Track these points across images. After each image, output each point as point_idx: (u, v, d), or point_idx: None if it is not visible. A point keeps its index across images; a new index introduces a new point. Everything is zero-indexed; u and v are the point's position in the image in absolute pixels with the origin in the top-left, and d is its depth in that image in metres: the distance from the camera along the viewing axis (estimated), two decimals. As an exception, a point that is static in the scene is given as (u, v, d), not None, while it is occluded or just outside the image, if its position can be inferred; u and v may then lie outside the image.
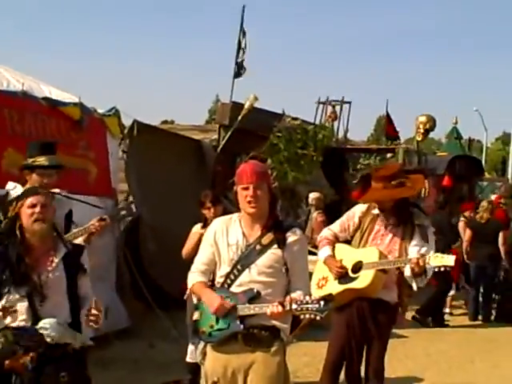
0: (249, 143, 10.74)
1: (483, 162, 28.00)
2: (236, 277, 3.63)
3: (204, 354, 3.77)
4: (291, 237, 3.70)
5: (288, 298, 3.54)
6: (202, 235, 4.65)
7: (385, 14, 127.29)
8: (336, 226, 5.28)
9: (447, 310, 10.97)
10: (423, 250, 4.90)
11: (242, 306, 3.57)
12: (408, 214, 5.11)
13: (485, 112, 58.30)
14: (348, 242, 5.25)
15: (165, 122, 33.99)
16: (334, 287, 5.00)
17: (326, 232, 5.28)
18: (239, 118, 10.42)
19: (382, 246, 5.07)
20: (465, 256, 10.83)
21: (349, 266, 5.03)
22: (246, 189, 3.62)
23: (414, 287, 5.02)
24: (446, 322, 10.51)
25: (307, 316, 3.44)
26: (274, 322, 3.60)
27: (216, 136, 11.22)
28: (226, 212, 4.77)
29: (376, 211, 5.14)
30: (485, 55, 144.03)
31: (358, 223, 5.20)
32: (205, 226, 6.10)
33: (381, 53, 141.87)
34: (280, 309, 3.47)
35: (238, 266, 3.63)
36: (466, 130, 53.84)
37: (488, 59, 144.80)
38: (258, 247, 3.64)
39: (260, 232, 3.68)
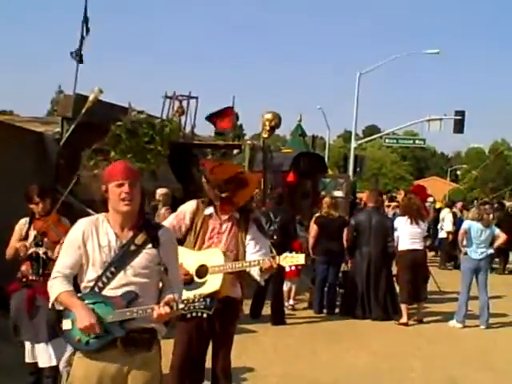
0: (93, 137, 10.35)
1: (326, 158, 28.98)
2: (109, 280, 3.47)
3: (71, 362, 3.59)
4: (164, 235, 3.64)
5: (169, 298, 3.47)
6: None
7: (228, 8, 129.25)
8: None
9: (291, 302, 11.17)
10: (258, 246, 4.95)
11: (122, 311, 3.41)
12: (250, 209, 5.12)
13: (327, 110, 60.51)
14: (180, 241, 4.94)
15: (3, 112, 32.33)
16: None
17: None
18: (83, 110, 9.99)
19: (220, 244, 4.99)
20: (310, 251, 11.07)
21: (192, 270, 4.86)
22: (121, 185, 3.49)
23: (261, 282, 5.10)
24: (292, 314, 10.71)
25: (194, 314, 3.36)
26: (153, 324, 3.50)
27: (59, 129, 10.68)
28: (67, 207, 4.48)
29: (208, 211, 5.03)
30: (327, 55, 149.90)
31: (190, 224, 5.06)
32: (31, 222, 5.81)
33: (228, 49, 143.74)
34: (168, 310, 3.38)
35: (112, 269, 3.48)
36: (310, 128, 55.51)
37: (330, 58, 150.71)
38: (132, 248, 3.52)
39: (132, 232, 3.56)
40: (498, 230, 10.97)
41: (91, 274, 3.51)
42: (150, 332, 3.53)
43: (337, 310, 11.13)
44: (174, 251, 3.74)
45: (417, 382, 7.47)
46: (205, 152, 15.13)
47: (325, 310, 11.04)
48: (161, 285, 3.65)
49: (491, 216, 18.48)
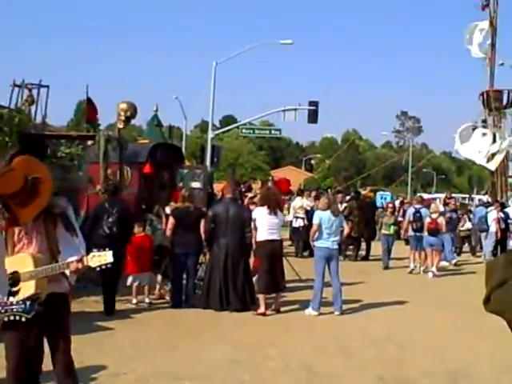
0: None
1: (183, 149, 28.85)
2: None
3: None
4: None
5: None
6: None
7: None
8: None
9: (147, 300, 11.01)
10: (66, 246, 4.71)
11: None
12: (48, 206, 4.67)
13: (184, 100, 60.25)
14: None
15: None
16: None
17: None
18: None
19: (31, 246, 4.71)
20: (168, 243, 10.96)
21: None
22: None
23: (72, 282, 4.85)
24: (150, 309, 10.58)
25: (11, 318, 3.23)
26: None
27: None
28: None
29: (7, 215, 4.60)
30: (184, 44, 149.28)
31: None
32: None
33: (81, 36, 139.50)
34: None
35: None
36: (167, 118, 55.10)
37: (186, 48, 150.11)
38: None
39: None
40: (343, 221, 11.41)
41: None
42: None
43: (196, 303, 11.06)
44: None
45: (274, 371, 7.56)
46: (58, 143, 14.53)
47: (183, 304, 10.95)
48: None
49: (343, 205, 19.26)
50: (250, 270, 11.25)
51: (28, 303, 3.25)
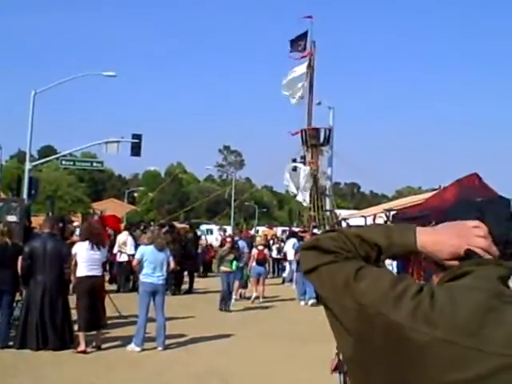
0: None
1: (-1, 180, 27.48)
2: None
3: None
4: None
5: None
6: None
7: None
8: None
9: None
10: None
11: None
12: None
13: (0, 129, 57.50)
14: None
15: None
16: None
17: None
18: None
19: None
20: None
21: None
22: None
23: None
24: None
25: None
26: None
27: None
28: None
29: None
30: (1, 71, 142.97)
31: None
32: None
33: None
34: None
35: None
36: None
37: (4, 75, 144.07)
38: None
39: None
40: (169, 255, 11.39)
41: None
42: None
43: (11, 343, 10.44)
44: None
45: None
46: None
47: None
48: None
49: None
50: (68, 306, 10.83)
51: None
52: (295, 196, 40.56)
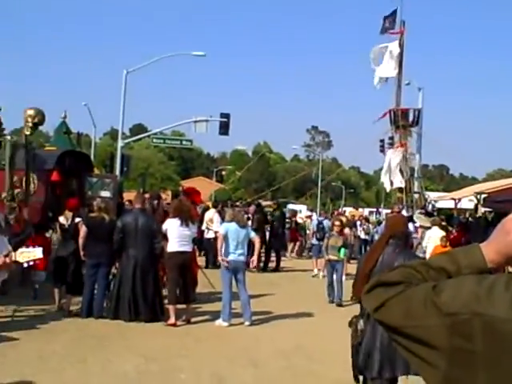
0: None
1: (92, 157, 28.31)
2: None
3: None
4: None
5: None
6: None
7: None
8: None
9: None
10: None
11: None
12: None
13: (94, 107, 59.16)
14: None
15: None
16: None
17: None
18: None
19: None
20: (81, 253, 10.74)
21: None
22: None
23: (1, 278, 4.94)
24: (59, 319, 10.33)
25: None
26: None
27: None
28: None
29: None
30: (95, 51, 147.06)
31: None
32: None
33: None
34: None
35: None
36: (76, 125, 53.98)
37: (97, 55, 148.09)
38: None
39: None
40: (253, 233, 11.48)
41: None
42: None
43: (104, 313, 10.85)
44: None
45: (185, 382, 7.51)
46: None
47: (93, 314, 10.73)
48: None
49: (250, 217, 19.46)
50: (159, 280, 11.14)
51: None
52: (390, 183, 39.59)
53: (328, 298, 14.04)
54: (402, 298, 1.60)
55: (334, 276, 14.09)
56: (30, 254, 4.48)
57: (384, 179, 38.54)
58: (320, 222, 19.26)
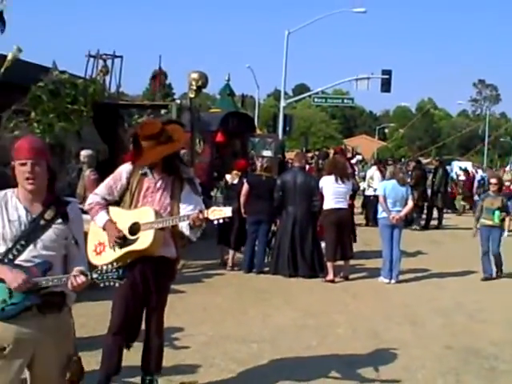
0: (13, 97, 9.99)
1: (256, 118, 28.97)
2: (19, 252, 3.55)
3: None
4: (73, 211, 3.74)
5: (81, 268, 3.58)
6: None
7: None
8: (102, 190, 5.20)
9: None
10: (191, 205, 5.01)
11: (40, 279, 3.50)
12: (176, 167, 5.15)
13: (257, 69, 60.26)
14: (117, 202, 5.18)
15: None
16: (114, 252, 4.95)
17: (95, 197, 5.17)
18: (1, 70, 9.62)
19: (153, 203, 5.06)
20: (242, 210, 11.13)
21: (125, 228, 4.96)
22: (24, 165, 3.54)
23: (193, 239, 5.14)
24: (221, 274, 10.91)
25: (107, 284, 3.52)
26: (63, 288, 3.60)
27: (-24, 89, 10.25)
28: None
29: (143, 170, 5.11)
30: (255, 13, 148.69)
31: (126, 184, 5.15)
32: None
33: (154, 7, 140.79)
34: (83, 279, 3.50)
35: (22, 242, 3.55)
36: (240, 87, 55.19)
37: (258, 16, 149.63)
38: (42, 222, 3.62)
39: (42, 207, 3.63)
40: (410, 191, 11.26)
41: (1, 248, 3.56)
42: (60, 295, 3.64)
43: (267, 269, 11.24)
44: (81, 227, 3.88)
45: (342, 337, 7.63)
46: (131, 112, 14.87)
47: (254, 269, 11.15)
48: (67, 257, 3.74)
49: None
50: (317, 237, 11.29)
51: (121, 270, 3.53)
52: None
53: (483, 273, 11.44)
54: None
55: (490, 245, 11.47)
56: (220, 213, 4.66)
57: None
58: (482, 178, 18.34)
